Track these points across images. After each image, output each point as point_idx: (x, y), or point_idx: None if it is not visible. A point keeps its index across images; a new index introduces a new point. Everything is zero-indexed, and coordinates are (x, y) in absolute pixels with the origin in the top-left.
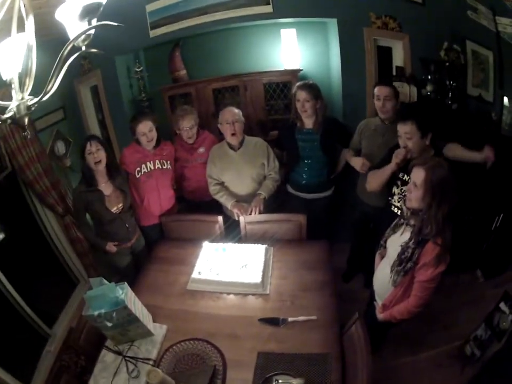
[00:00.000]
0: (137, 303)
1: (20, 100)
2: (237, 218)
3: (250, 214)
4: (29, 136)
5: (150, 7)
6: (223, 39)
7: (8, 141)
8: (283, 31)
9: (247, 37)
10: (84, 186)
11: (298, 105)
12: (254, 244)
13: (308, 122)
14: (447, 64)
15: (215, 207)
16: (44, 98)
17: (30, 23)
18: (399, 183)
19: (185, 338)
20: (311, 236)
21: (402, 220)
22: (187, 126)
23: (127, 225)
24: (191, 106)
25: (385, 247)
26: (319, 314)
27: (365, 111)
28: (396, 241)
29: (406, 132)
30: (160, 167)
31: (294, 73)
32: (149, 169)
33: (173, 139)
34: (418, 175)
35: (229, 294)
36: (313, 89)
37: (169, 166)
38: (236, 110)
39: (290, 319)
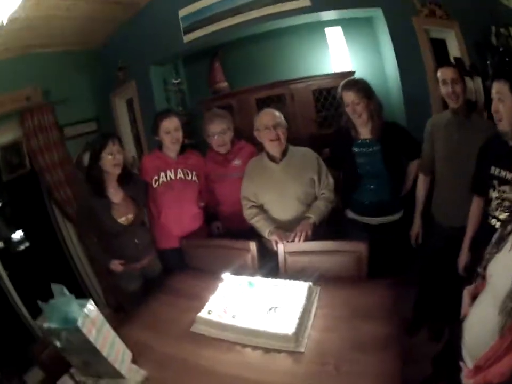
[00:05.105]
0: (107, 331)
1: None
2: (275, 248)
3: (293, 240)
4: None
5: (182, 12)
6: (264, 44)
7: (30, 139)
8: (328, 30)
9: (290, 39)
10: (89, 190)
11: (348, 110)
12: (296, 280)
13: (364, 131)
14: (501, 49)
15: (258, 238)
16: None
17: None
18: (496, 183)
19: None
20: (371, 273)
21: (510, 227)
22: (216, 130)
23: (136, 241)
24: (224, 111)
25: (483, 277)
26: None
27: (429, 112)
28: (505, 262)
29: (497, 91)
30: (183, 177)
31: (346, 77)
32: (168, 179)
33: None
34: None
35: (244, 346)
36: (362, 87)
37: (194, 178)
38: (277, 113)
39: None
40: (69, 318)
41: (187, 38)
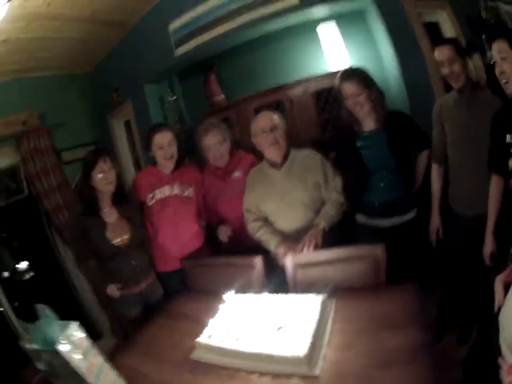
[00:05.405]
0: (93, 357)
1: None
2: (283, 262)
3: (301, 251)
4: None
5: (172, 26)
6: (258, 50)
7: (27, 163)
8: (321, 27)
9: (284, 42)
10: (82, 210)
11: (348, 103)
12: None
13: (367, 123)
14: (492, 22)
15: (265, 253)
16: None
17: None
18: None
19: None
20: (388, 280)
21: None
22: (212, 142)
23: (133, 263)
24: (218, 121)
25: None
26: None
27: (433, 97)
28: None
29: (498, 51)
30: (180, 193)
31: None
32: (164, 195)
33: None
34: None
35: (250, 373)
36: (361, 76)
37: (191, 194)
38: (274, 115)
39: None
40: (48, 339)
41: (178, 51)
